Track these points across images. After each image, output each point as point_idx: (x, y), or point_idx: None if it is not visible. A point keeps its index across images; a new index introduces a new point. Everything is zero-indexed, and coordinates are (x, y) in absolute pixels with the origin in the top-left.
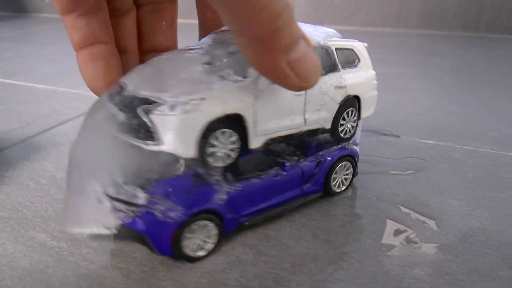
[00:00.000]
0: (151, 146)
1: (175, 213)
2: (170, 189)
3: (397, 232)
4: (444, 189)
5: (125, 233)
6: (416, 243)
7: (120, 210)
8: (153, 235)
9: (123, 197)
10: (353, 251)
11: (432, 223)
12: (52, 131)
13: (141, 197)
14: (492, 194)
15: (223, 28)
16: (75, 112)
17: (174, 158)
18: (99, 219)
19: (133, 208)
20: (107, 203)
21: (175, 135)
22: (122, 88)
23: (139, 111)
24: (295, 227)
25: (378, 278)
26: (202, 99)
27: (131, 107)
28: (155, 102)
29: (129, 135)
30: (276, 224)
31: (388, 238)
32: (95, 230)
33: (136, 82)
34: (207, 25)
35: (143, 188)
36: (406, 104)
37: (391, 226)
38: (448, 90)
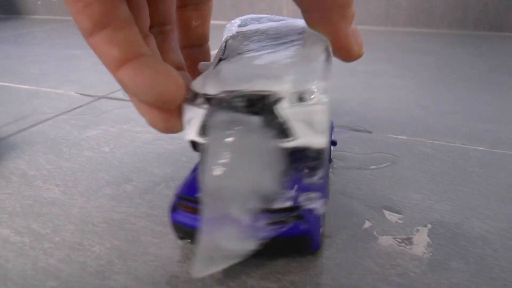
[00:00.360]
0: (287, 143)
1: (322, 205)
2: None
3: (356, 226)
4: (408, 184)
5: (271, 244)
6: (373, 236)
7: (278, 222)
8: (314, 232)
9: (281, 206)
10: None
11: (391, 217)
12: (30, 130)
13: (300, 198)
14: (456, 188)
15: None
16: (55, 111)
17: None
18: (243, 242)
19: (295, 213)
20: (260, 221)
21: (309, 127)
22: (206, 94)
23: (265, 108)
24: None
25: (330, 270)
26: (318, 86)
27: (251, 107)
28: (272, 95)
29: (265, 136)
30: None
31: (345, 231)
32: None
33: (224, 82)
34: (192, 34)
35: (290, 188)
36: (383, 101)
37: (350, 219)
38: (427, 87)
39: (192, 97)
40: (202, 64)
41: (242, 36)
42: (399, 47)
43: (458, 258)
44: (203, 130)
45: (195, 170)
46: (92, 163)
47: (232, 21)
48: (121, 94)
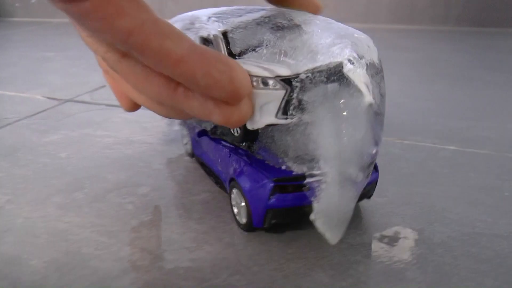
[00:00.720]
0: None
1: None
2: None
3: (309, 233)
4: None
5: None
6: (326, 244)
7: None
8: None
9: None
10: (256, 253)
11: (349, 223)
12: None
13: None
14: (421, 190)
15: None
16: (16, 116)
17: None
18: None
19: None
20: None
21: (366, 87)
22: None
23: (340, 77)
24: (202, 230)
25: (277, 282)
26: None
27: (330, 79)
28: (340, 65)
29: (357, 100)
30: (183, 227)
31: (297, 240)
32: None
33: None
34: None
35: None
36: None
37: (303, 226)
38: (405, 84)
39: (259, 82)
40: None
41: (244, 28)
42: (379, 44)
43: (415, 268)
44: (285, 110)
45: (252, 161)
46: (46, 170)
47: (185, 16)
48: (87, 96)
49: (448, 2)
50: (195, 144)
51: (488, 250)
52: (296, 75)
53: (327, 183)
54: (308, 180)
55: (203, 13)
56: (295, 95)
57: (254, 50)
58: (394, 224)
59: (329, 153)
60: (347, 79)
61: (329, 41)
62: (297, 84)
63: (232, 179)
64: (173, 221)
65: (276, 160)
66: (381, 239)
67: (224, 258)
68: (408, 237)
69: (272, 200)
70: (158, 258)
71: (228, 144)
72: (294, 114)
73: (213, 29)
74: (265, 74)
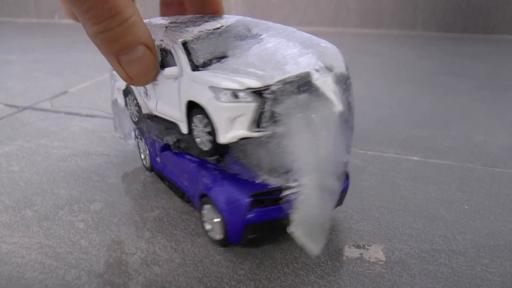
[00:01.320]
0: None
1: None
2: None
3: (262, 255)
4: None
5: None
6: (277, 266)
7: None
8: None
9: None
10: (206, 275)
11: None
12: None
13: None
14: (381, 204)
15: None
16: None
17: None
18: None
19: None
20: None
21: (336, 95)
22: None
23: (310, 87)
24: (153, 251)
25: None
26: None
27: (300, 89)
28: (308, 75)
29: (330, 110)
30: (133, 246)
31: (249, 259)
32: None
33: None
34: None
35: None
36: None
37: (255, 244)
38: (370, 91)
39: (230, 95)
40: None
41: (206, 38)
42: (347, 48)
43: None
44: (258, 123)
45: (225, 176)
46: None
47: None
48: (48, 103)
49: (416, 7)
50: (154, 158)
51: (445, 268)
52: (267, 87)
53: (306, 194)
54: (285, 192)
55: (159, 22)
56: (267, 107)
57: (219, 61)
58: (352, 241)
59: (306, 165)
60: (316, 88)
61: (296, 51)
62: (269, 95)
63: (203, 195)
64: (124, 240)
65: (249, 174)
66: (338, 257)
67: (173, 282)
68: (366, 255)
69: (250, 215)
70: (105, 282)
71: (194, 159)
72: (266, 126)
73: (172, 39)
74: (235, 86)
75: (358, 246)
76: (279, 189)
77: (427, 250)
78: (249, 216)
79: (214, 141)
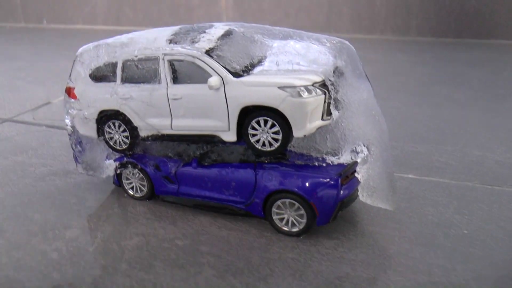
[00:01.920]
0: None
1: None
2: None
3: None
4: (320, 227)
5: None
6: None
7: None
8: None
9: None
10: None
11: (292, 274)
12: None
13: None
14: (374, 229)
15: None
16: None
17: None
18: None
19: None
20: None
21: None
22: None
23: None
24: (129, 285)
25: None
26: None
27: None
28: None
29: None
30: (109, 281)
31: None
32: None
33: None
34: None
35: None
36: None
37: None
38: None
39: (304, 91)
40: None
41: (226, 45)
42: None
43: None
44: (328, 111)
45: (298, 168)
46: None
47: (139, 39)
48: (29, 115)
49: (409, 13)
50: (160, 182)
51: None
52: (322, 80)
53: (372, 163)
54: (357, 166)
55: (157, 35)
56: (332, 96)
57: (257, 64)
58: (343, 273)
59: (371, 139)
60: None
61: (316, 48)
62: (330, 86)
63: (275, 192)
64: (99, 273)
65: (314, 160)
66: None
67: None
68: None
69: (342, 192)
70: None
71: (238, 165)
72: (332, 112)
73: (187, 50)
74: (306, 83)
75: (349, 279)
76: (352, 164)
77: (425, 283)
78: (342, 193)
79: (282, 139)
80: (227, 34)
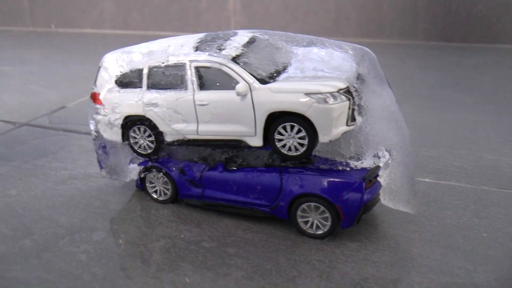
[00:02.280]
0: None
1: None
2: None
3: None
4: (342, 230)
5: None
6: None
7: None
8: None
9: None
10: None
11: (319, 276)
12: None
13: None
14: (395, 232)
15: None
16: None
17: None
18: None
19: None
20: None
21: None
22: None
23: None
24: (160, 286)
25: None
26: None
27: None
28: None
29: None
30: (139, 281)
31: None
32: None
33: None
34: None
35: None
36: None
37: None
38: None
39: (330, 97)
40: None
41: (252, 52)
42: None
43: None
44: (352, 117)
45: (323, 172)
46: None
47: (162, 46)
48: (45, 119)
49: (416, 17)
50: (184, 185)
51: None
52: (346, 87)
53: (394, 168)
54: (379, 170)
55: (183, 42)
56: (355, 102)
57: (282, 71)
58: (369, 274)
59: (394, 142)
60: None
61: (339, 54)
62: (354, 93)
63: (300, 196)
64: (129, 274)
65: (338, 164)
66: None
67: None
68: None
69: (366, 195)
70: None
71: (263, 169)
72: (356, 118)
73: (214, 57)
74: (329, 89)
75: (374, 280)
76: (375, 168)
77: (448, 284)
78: (366, 196)
79: (308, 144)
80: (252, 41)
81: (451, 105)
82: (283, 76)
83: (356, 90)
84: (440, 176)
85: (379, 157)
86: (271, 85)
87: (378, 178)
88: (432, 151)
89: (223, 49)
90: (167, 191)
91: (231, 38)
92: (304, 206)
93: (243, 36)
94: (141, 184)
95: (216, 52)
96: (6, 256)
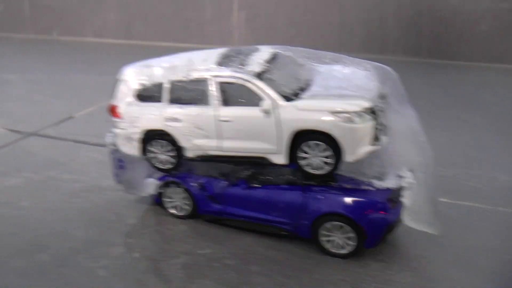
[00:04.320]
0: None
1: None
2: None
3: None
4: (366, 249)
5: None
6: None
7: None
8: None
9: None
10: None
11: None
12: None
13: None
14: (418, 253)
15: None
16: None
17: None
18: None
19: None
20: None
21: None
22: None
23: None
24: None
25: None
26: None
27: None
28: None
29: None
30: None
31: None
32: None
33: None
34: None
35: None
36: None
37: None
38: None
39: (355, 117)
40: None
41: (276, 68)
42: None
43: None
44: (376, 136)
45: (348, 191)
46: (6, 223)
47: (181, 60)
48: (52, 130)
49: (419, 35)
50: (204, 200)
51: None
52: (374, 105)
53: (418, 187)
54: (403, 191)
55: (205, 57)
56: (380, 121)
57: (305, 88)
58: None
59: (417, 162)
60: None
61: (363, 73)
62: (378, 112)
63: (324, 215)
64: None
65: (362, 183)
66: None
67: None
68: None
69: (391, 215)
70: None
71: (286, 187)
72: (381, 138)
73: (238, 73)
74: (355, 109)
75: None
76: (399, 189)
77: None
78: (390, 216)
79: (333, 163)
80: (275, 58)
81: (459, 124)
82: (307, 93)
83: (380, 110)
84: (456, 196)
85: (402, 178)
86: (297, 103)
87: (402, 199)
88: (445, 170)
89: (247, 65)
90: (186, 206)
91: (254, 53)
92: (327, 225)
93: (265, 52)
94: (158, 198)
95: (239, 68)
96: (25, 271)
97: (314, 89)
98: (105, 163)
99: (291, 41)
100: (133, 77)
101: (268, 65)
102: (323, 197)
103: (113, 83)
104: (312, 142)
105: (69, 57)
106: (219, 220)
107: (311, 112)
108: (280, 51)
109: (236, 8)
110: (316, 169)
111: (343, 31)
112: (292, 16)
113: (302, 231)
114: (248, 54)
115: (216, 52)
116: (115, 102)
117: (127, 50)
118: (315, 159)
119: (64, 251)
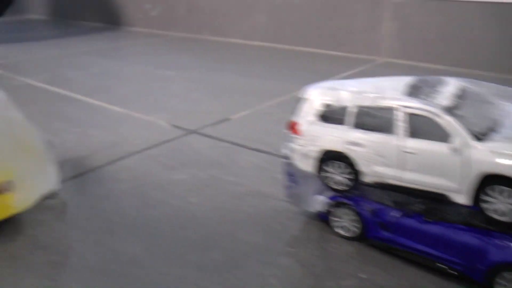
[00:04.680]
0: None
1: None
2: None
3: None
4: None
5: None
6: None
7: None
8: None
9: None
10: None
11: None
12: (118, 163)
13: None
14: None
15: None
16: (144, 143)
17: None
18: None
19: None
20: None
21: None
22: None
23: None
24: None
25: None
26: None
27: None
28: None
29: None
30: None
31: None
32: None
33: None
34: None
35: None
36: None
37: None
38: None
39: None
40: None
41: (468, 105)
42: None
43: None
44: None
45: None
46: (178, 216)
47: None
48: (211, 129)
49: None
50: (373, 226)
51: None
52: None
53: None
54: None
55: (393, 85)
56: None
57: (495, 129)
58: None
59: None
60: None
61: None
62: None
63: (506, 264)
64: None
65: None
66: None
67: None
68: None
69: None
70: None
71: (465, 228)
72: None
73: (427, 106)
74: None
75: None
76: None
77: None
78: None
79: None
80: (462, 92)
81: None
82: (498, 135)
83: None
84: None
85: None
86: (491, 145)
87: None
88: None
89: (434, 98)
90: (354, 229)
91: (441, 85)
92: (506, 274)
93: (454, 85)
94: (325, 216)
95: (428, 100)
96: (200, 266)
97: (505, 131)
98: (264, 169)
99: (440, 57)
100: (317, 97)
101: (457, 100)
102: (505, 245)
103: (288, 97)
104: (498, 187)
105: (220, 57)
106: (387, 247)
107: (506, 156)
108: (469, 85)
109: (388, 18)
110: (501, 215)
111: (499, 49)
112: (445, 31)
113: (475, 275)
114: (435, 85)
115: (404, 80)
116: (296, 119)
117: (274, 54)
118: (502, 205)
119: (234, 253)
